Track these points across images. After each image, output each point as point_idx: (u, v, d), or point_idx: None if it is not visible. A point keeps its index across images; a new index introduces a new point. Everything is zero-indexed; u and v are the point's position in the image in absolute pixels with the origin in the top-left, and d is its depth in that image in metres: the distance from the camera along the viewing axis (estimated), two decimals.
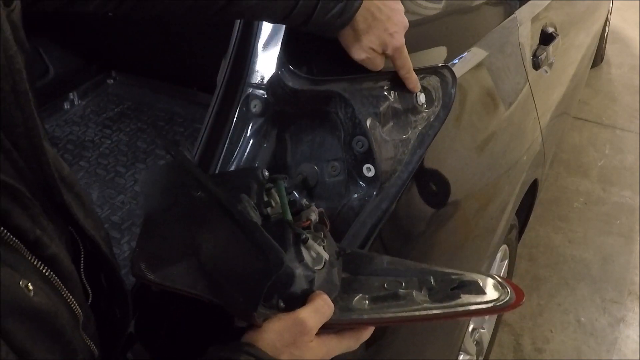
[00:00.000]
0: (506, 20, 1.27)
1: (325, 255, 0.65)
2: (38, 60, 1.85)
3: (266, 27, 0.85)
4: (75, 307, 0.53)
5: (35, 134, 0.50)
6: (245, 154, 0.86)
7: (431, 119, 0.87)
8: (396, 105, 0.84)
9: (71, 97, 1.94)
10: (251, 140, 0.86)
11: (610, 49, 3.36)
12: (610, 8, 2.97)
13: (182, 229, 0.68)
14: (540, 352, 1.85)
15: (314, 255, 0.64)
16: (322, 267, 0.64)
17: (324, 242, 0.67)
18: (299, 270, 0.61)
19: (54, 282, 0.50)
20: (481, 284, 0.65)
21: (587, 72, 2.36)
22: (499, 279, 0.67)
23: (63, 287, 0.51)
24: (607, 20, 2.89)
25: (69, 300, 0.52)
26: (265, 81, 0.84)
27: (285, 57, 0.82)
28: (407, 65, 0.83)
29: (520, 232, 1.70)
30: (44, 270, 0.49)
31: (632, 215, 2.34)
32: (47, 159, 0.52)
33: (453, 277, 0.67)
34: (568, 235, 2.25)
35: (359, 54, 0.80)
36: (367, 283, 0.68)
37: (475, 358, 1.53)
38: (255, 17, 0.82)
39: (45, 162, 0.52)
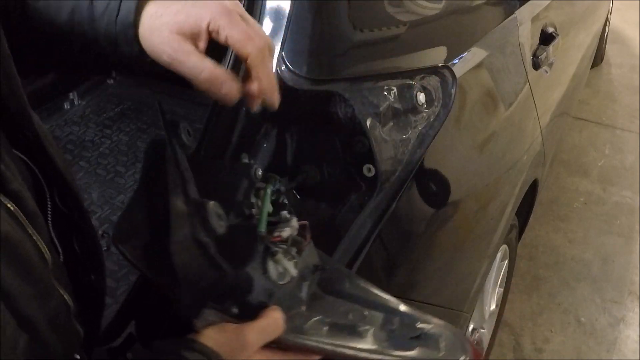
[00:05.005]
0: (506, 20, 1.27)
1: (293, 272, 0.63)
2: None
3: (266, 27, 0.85)
4: (43, 247, 0.51)
5: (7, 63, 0.50)
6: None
7: (431, 119, 0.87)
8: (396, 105, 0.84)
9: (71, 97, 1.93)
10: (251, 140, 0.86)
11: (610, 49, 3.36)
12: (610, 8, 2.97)
13: (162, 208, 0.66)
14: (540, 352, 1.85)
15: (280, 270, 0.62)
16: (287, 283, 0.62)
17: (295, 258, 0.64)
18: (260, 282, 0.60)
19: (19, 217, 0.49)
20: (441, 343, 0.64)
21: (587, 72, 2.36)
22: (464, 340, 0.67)
23: (29, 224, 0.49)
24: (607, 20, 2.89)
25: (35, 237, 0.50)
26: None
27: (285, 57, 0.82)
28: (263, 72, 0.60)
29: (520, 232, 1.70)
30: (8, 205, 0.47)
31: (632, 215, 2.34)
32: (18, 82, 0.51)
33: (418, 325, 0.66)
34: (568, 235, 2.25)
35: (171, 47, 0.60)
36: (333, 306, 0.66)
37: None
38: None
39: (16, 86, 0.51)
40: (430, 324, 0.66)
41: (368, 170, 0.81)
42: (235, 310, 0.59)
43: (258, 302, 0.60)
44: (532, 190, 1.54)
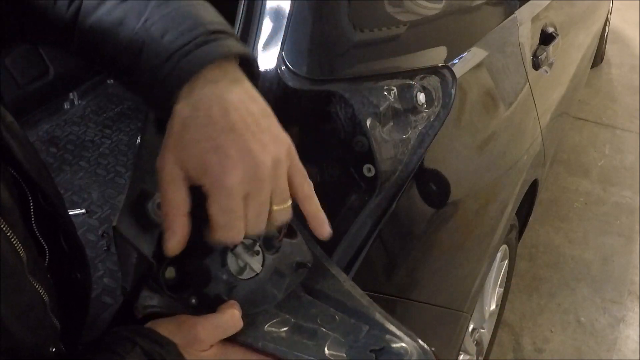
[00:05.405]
0: (506, 20, 1.27)
1: (256, 267, 0.62)
2: (38, 60, 1.85)
3: (266, 27, 0.85)
4: (16, 243, 0.50)
5: None
6: None
7: (431, 119, 0.87)
8: (396, 105, 0.84)
9: (71, 97, 1.93)
10: None
11: (610, 49, 3.36)
12: (610, 8, 2.97)
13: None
14: (540, 352, 1.85)
15: (241, 264, 0.62)
16: (251, 278, 0.62)
17: (259, 253, 0.63)
18: (219, 275, 0.60)
19: None
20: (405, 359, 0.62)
21: (587, 72, 2.36)
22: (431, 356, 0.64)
23: (2, 220, 0.49)
24: (607, 20, 2.89)
25: (9, 234, 0.49)
26: (265, 81, 0.84)
27: (285, 57, 0.82)
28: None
29: (520, 232, 1.70)
30: None
31: (632, 215, 2.34)
32: None
33: (387, 336, 0.63)
34: (568, 235, 2.25)
35: (161, 159, 0.52)
36: (306, 307, 0.65)
37: (475, 358, 1.53)
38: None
39: None
40: (400, 342, 0.63)
41: (368, 170, 0.81)
42: (194, 301, 0.59)
43: (215, 296, 0.60)
44: (532, 190, 1.54)
